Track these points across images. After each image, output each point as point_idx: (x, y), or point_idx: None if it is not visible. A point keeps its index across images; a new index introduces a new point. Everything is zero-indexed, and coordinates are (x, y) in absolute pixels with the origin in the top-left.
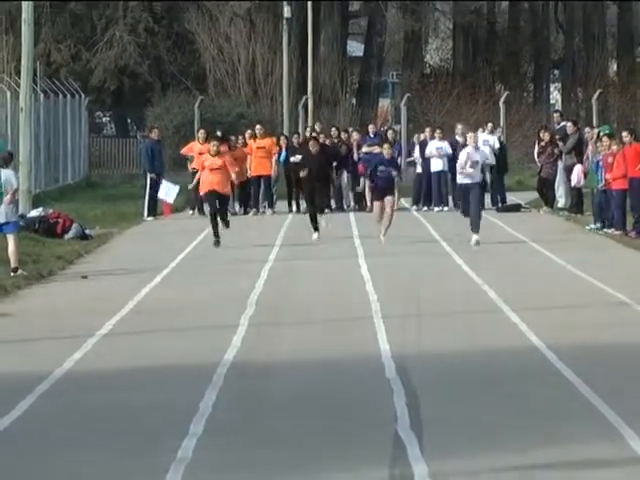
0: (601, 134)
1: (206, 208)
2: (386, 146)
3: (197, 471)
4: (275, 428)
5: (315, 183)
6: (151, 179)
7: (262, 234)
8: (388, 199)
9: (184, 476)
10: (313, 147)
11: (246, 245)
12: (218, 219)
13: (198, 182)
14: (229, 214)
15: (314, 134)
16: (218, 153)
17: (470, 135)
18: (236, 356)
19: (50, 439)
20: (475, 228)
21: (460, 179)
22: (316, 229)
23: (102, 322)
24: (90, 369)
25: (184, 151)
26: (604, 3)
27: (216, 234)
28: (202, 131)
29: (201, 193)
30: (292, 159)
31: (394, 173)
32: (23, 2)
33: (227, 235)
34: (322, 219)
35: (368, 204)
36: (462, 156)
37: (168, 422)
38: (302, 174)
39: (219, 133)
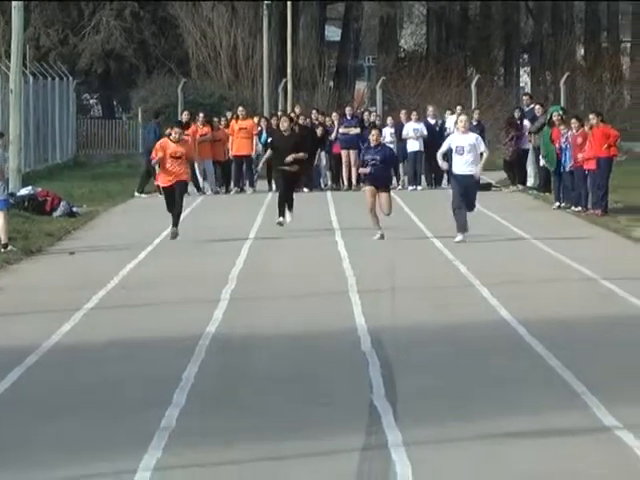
0: (553, 115)
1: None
2: (373, 132)
3: (180, 438)
4: (255, 398)
5: (286, 170)
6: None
7: (243, 212)
8: (381, 196)
9: (167, 443)
10: (283, 124)
11: (227, 223)
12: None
13: (157, 165)
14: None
15: (291, 115)
16: (180, 140)
17: (461, 119)
18: (217, 329)
19: (37, 409)
20: (461, 228)
21: (453, 168)
22: (281, 214)
23: (89, 296)
24: (77, 342)
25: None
26: None
27: (175, 224)
28: (186, 112)
29: (157, 183)
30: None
31: (378, 158)
32: None
33: (210, 212)
34: (288, 215)
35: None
36: (445, 143)
37: (152, 392)
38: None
39: (183, 118)
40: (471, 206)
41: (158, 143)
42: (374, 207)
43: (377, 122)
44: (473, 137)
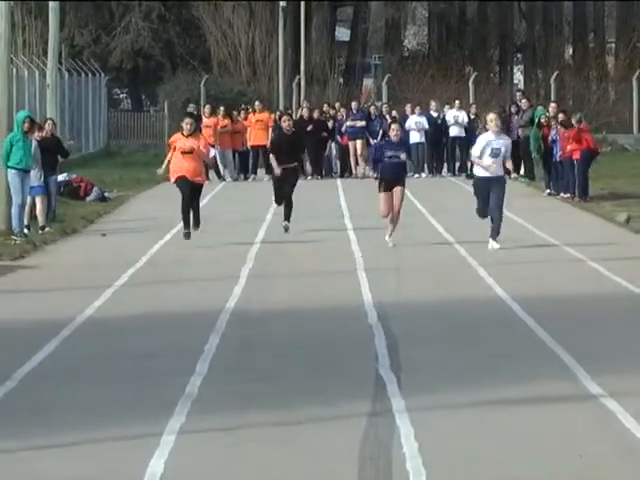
0: (541, 118)
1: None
2: (394, 127)
3: (202, 405)
4: (271, 368)
5: (287, 170)
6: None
7: (260, 197)
8: (396, 190)
9: (190, 409)
10: (285, 123)
11: (246, 207)
12: (191, 211)
13: (168, 165)
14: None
15: (288, 111)
16: (192, 134)
17: (491, 117)
18: (237, 304)
19: (72, 377)
20: (495, 233)
21: (478, 171)
22: (279, 204)
23: (119, 274)
24: (108, 316)
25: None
26: None
27: (187, 225)
28: (208, 106)
29: (171, 180)
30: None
31: (403, 156)
32: None
33: (230, 198)
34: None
35: (359, 170)
36: (479, 142)
37: (176, 362)
38: (276, 171)
39: (192, 109)
40: (501, 210)
41: (171, 138)
42: (388, 213)
43: (385, 111)
44: (506, 140)
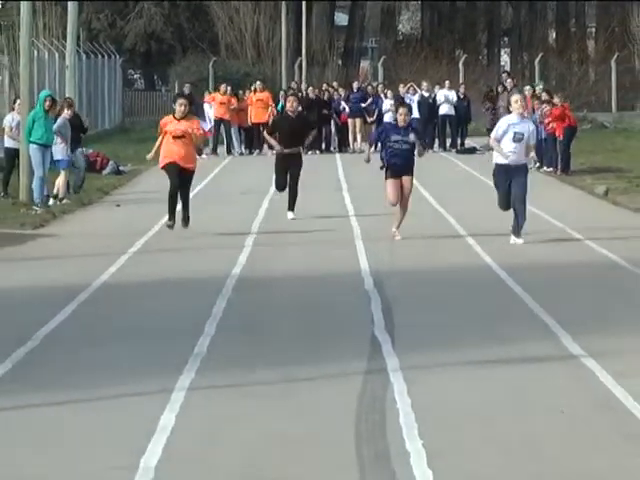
0: (537, 89)
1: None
2: (401, 111)
3: (210, 363)
4: (274, 329)
5: (288, 153)
6: None
7: (263, 171)
8: (405, 181)
9: (199, 367)
10: (290, 104)
11: (251, 179)
12: (178, 199)
13: (158, 150)
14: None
15: (295, 91)
16: (185, 116)
17: (515, 98)
18: (242, 271)
19: (89, 338)
20: (518, 227)
21: (497, 158)
22: (280, 190)
23: (132, 242)
24: (122, 281)
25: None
26: None
27: (172, 216)
28: (224, 85)
29: (160, 165)
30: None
31: (411, 137)
32: None
33: (236, 170)
34: (289, 213)
35: (357, 146)
36: (500, 125)
37: (186, 324)
38: (276, 148)
39: (187, 89)
40: (524, 202)
41: (162, 120)
42: (396, 201)
43: (380, 91)
44: (531, 124)
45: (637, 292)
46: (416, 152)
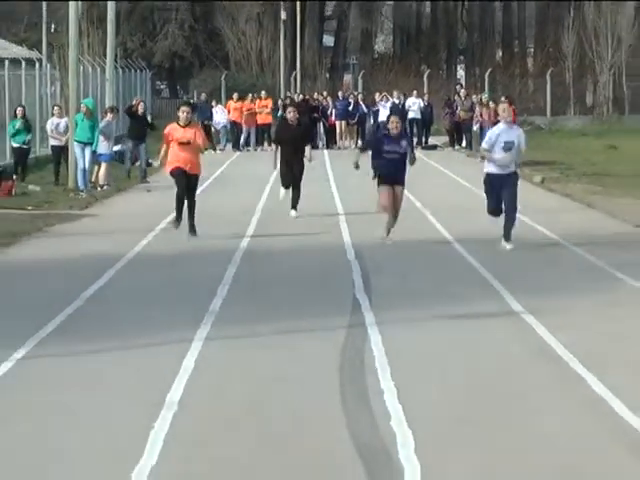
0: (484, 98)
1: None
2: (393, 119)
3: (222, 319)
4: (274, 292)
5: (290, 160)
6: (204, 125)
7: (265, 163)
8: (397, 189)
9: (214, 322)
10: (291, 115)
11: (256, 171)
12: (184, 202)
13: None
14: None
15: (292, 100)
16: (189, 124)
17: (503, 107)
18: (248, 244)
19: (125, 298)
20: (508, 233)
21: (488, 167)
22: (286, 187)
23: (159, 221)
24: (151, 252)
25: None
26: (493, 10)
27: (179, 217)
28: (236, 94)
29: (167, 170)
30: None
31: (403, 144)
32: (109, 5)
33: (243, 163)
34: (292, 211)
35: (343, 143)
36: (490, 136)
37: (203, 287)
38: (277, 165)
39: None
40: (515, 209)
41: (166, 129)
42: (387, 206)
43: (360, 99)
44: (519, 131)
45: (568, 261)
46: (408, 160)
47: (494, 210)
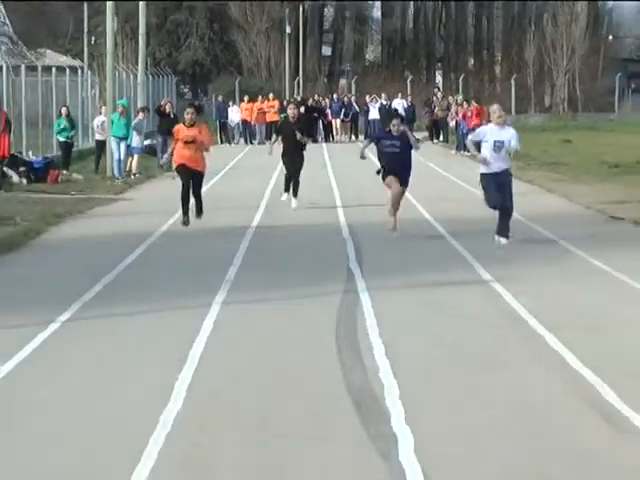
0: (458, 99)
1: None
2: (394, 122)
3: (236, 286)
4: (280, 262)
5: (292, 152)
6: (221, 122)
7: (275, 155)
8: (400, 188)
9: (229, 288)
10: (291, 111)
11: (265, 161)
12: (190, 197)
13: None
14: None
15: (296, 99)
16: (193, 124)
17: (494, 108)
18: (258, 223)
19: (154, 268)
20: (504, 229)
21: (481, 168)
22: (286, 190)
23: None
24: (176, 230)
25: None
26: (466, 24)
27: (185, 213)
28: (247, 97)
29: (174, 166)
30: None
31: (401, 128)
32: (140, 21)
33: (254, 155)
34: (293, 201)
35: (338, 138)
36: (479, 131)
37: (220, 259)
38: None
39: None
40: (511, 206)
41: (174, 129)
42: (398, 202)
43: (353, 100)
44: (512, 131)
45: (530, 237)
46: (413, 148)
47: (491, 200)
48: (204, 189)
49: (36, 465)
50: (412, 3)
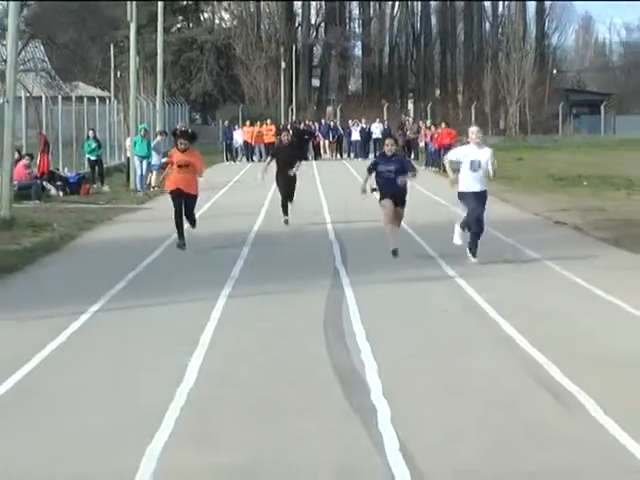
0: (427, 123)
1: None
2: (387, 142)
3: (240, 281)
4: (278, 261)
5: (286, 174)
6: (226, 143)
7: (273, 171)
8: (398, 209)
9: (234, 284)
10: (284, 137)
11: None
12: (184, 220)
13: (165, 177)
14: (195, 214)
15: (289, 124)
16: (187, 149)
17: (472, 130)
18: (259, 228)
19: (172, 266)
20: (474, 251)
21: (460, 186)
22: (285, 213)
23: (197, 211)
24: (190, 234)
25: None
26: (433, 60)
27: (180, 236)
28: (248, 121)
29: (167, 190)
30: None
31: (401, 180)
32: (158, 60)
33: (255, 172)
34: (288, 212)
35: (325, 156)
36: (457, 150)
37: (227, 258)
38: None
39: (188, 129)
40: (482, 226)
41: (169, 154)
42: (392, 221)
43: (338, 124)
44: (488, 152)
45: (489, 240)
46: (409, 176)
47: (469, 227)
48: (213, 200)
49: (72, 430)
50: (387, 43)
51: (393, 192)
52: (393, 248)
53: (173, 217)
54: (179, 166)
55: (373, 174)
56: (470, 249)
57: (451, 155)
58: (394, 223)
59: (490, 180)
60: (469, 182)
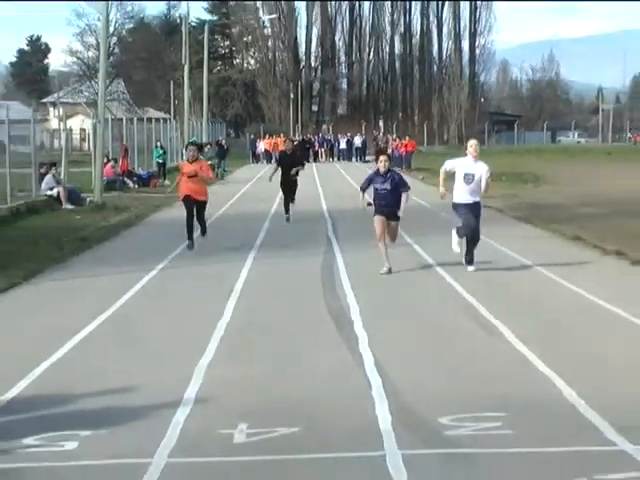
0: (393, 136)
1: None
2: (381, 159)
3: (259, 253)
4: (288, 236)
5: (288, 177)
6: (252, 151)
7: (276, 181)
8: (392, 224)
9: (255, 255)
10: (287, 146)
11: (271, 187)
12: (194, 224)
13: (178, 185)
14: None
15: (291, 137)
16: (195, 160)
17: (471, 143)
18: (274, 211)
19: (214, 236)
20: (470, 260)
21: (455, 197)
22: (287, 212)
23: (228, 200)
24: (228, 213)
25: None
26: (397, 90)
27: (190, 238)
28: (267, 135)
29: (179, 198)
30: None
31: (387, 185)
32: (204, 95)
33: (272, 170)
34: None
35: (321, 160)
36: (453, 161)
37: (250, 235)
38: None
39: (198, 140)
40: (478, 236)
41: (180, 164)
42: (383, 237)
43: (331, 137)
44: (484, 168)
45: (442, 218)
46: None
47: (465, 234)
48: (242, 190)
49: (147, 349)
50: (365, 79)
51: (387, 206)
52: (387, 267)
53: (186, 221)
54: (189, 176)
55: (371, 188)
56: (466, 257)
57: (447, 165)
58: (388, 238)
59: (481, 195)
60: (462, 194)
